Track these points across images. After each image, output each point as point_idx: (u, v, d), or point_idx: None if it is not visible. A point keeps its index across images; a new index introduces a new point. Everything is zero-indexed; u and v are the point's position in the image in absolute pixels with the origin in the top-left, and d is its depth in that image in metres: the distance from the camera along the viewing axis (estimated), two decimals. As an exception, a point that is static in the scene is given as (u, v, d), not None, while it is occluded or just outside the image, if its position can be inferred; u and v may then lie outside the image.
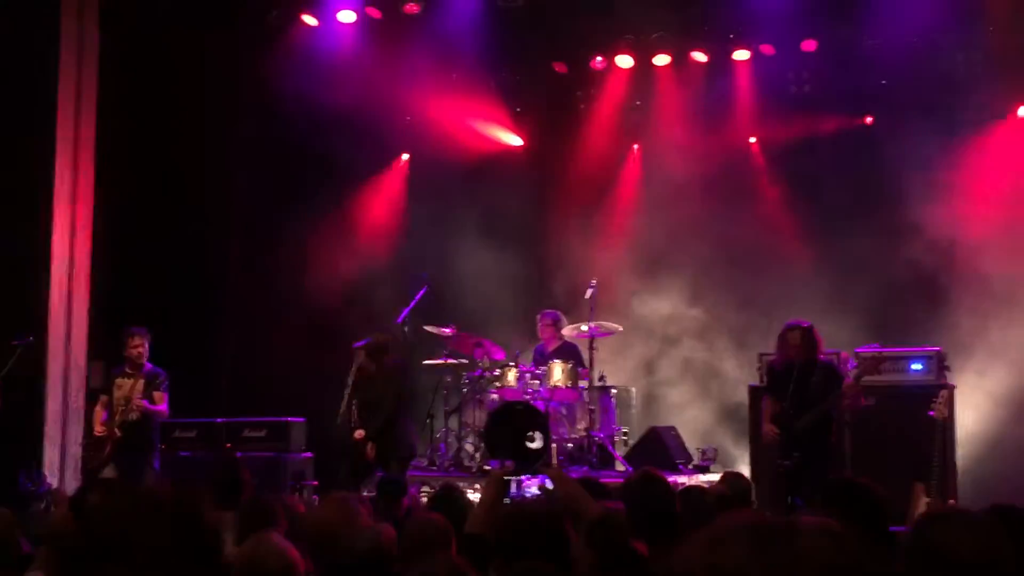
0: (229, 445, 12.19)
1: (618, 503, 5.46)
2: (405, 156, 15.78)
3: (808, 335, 10.14)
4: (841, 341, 12.10)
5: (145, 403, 10.82)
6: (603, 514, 5.00)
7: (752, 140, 14.76)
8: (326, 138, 14.24)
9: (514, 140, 15.56)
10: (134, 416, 10.80)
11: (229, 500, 6.00)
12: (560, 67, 14.90)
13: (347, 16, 13.95)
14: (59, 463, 12.04)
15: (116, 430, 10.82)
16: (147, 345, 11.11)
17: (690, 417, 14.03)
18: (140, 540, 2.80)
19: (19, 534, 4.83)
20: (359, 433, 11.09)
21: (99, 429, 11.01)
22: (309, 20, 14.03)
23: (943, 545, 3.34)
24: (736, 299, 14.11)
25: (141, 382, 10.90)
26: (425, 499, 9.30)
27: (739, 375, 13.62)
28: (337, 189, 15.04)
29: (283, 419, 12.43)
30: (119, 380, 11.04)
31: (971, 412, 12.15)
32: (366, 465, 11.00)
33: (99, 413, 11.11)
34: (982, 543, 3.29)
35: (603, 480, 8.58)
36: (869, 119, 14.11)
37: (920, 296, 13.07)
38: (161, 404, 11.00)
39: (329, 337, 13.48)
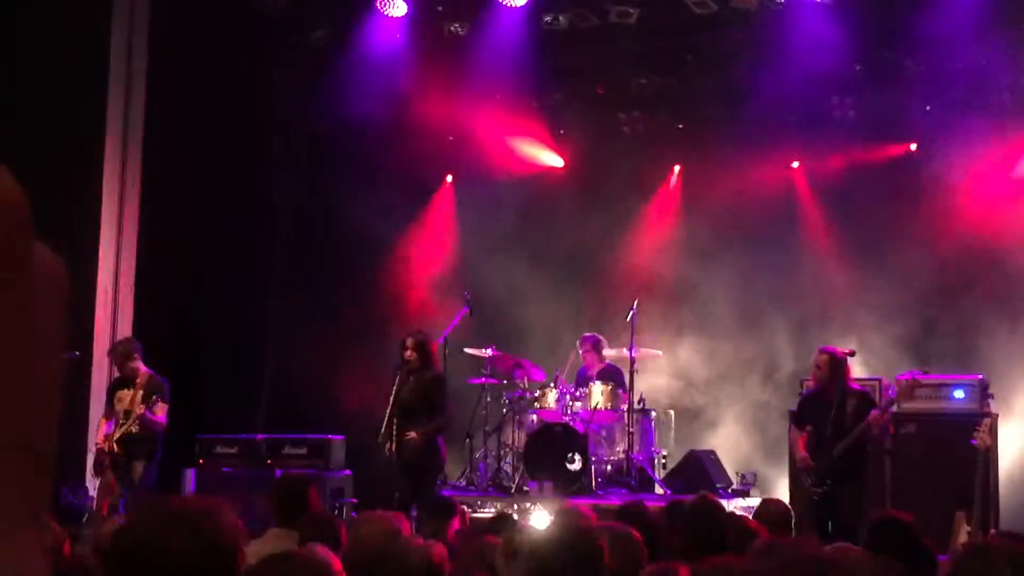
0: (269, 462, 12.26)
1: (628, 527, 5.37)
2: (449, 177, 15.86)
3: (834, 361, 10.09)
4: (881, 367, 12.05)
5: (146, 412, 10.42)
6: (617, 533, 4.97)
7: (795, 164, 14.73)
8: (369, 157, 14.34)
9: (556, 161, 15.61)
10: (135, 429, 10.61)
11: (292, 518, 5.99)
12: (602, 89, 14.95)
13: (391, 37, 14.00)
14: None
15: (114, 445, 10.53)
16: (136, 355, 10.90)
17: (729, 441, 13.99)
18: (158, 555, 2.83)
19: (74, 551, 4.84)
20: (412, 435, 10.28)
21: (99, 442, 10.88)
22: (353, 40, 14.09)
23: None
24: (776, 323, 14.05)
25: (140, 393, 10.62)
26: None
27: (779, 400, 13.56)
28: (380, 206, 15.10)
29: (323, 436, 12.50)
30: (119, 393, 10.76)
31: (1014, 440, 12.06)
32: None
33: (102, 425, 10.85)
34: None
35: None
36: (913, 146, 14.03)
37: (963, 323, 13.00)
38: (160, 415, 10.52)
39: (371, 354, 13.49)
